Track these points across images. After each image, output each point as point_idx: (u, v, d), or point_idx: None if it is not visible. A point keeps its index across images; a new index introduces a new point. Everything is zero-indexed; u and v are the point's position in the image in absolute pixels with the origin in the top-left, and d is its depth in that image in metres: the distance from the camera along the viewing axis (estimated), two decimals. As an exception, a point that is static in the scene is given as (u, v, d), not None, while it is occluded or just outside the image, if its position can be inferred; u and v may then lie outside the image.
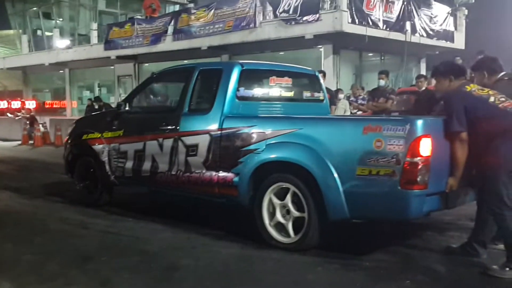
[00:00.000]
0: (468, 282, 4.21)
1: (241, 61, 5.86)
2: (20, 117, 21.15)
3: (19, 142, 18.94)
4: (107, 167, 6.67)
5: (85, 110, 19.43)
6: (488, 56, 5.33)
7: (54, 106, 25.35)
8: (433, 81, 12.09)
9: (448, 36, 17.53)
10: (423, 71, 17.74)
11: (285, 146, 4.99)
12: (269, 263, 4.60)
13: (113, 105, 18.51)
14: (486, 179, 4.50)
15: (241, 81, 5.64)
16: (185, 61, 17.62)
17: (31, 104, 23.44)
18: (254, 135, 5.19)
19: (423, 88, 10.01)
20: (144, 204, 7.45)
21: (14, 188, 8.57)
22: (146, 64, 20.40)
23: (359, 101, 11.82)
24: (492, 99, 4.53)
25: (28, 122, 19.71)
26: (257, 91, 5.97)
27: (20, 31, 26.81)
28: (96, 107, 17.90)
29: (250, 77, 5.85)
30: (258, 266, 4.55)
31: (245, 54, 16.28)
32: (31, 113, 20.72)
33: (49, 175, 10.28)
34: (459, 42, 17.98)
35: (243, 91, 5.68)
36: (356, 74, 17.13)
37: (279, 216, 5.04)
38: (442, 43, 17.34)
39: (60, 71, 24.28)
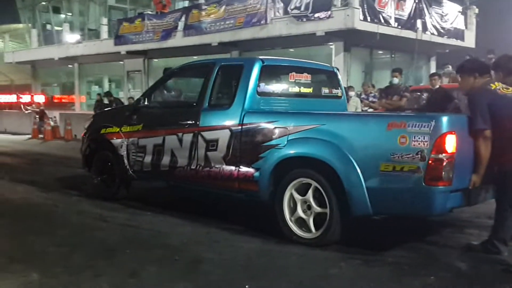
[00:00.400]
0: (491, 279, 4.21)
1: (261, 57, 5.87)
2: (29, 111, 21.24)
3: (29, 136, 19.03)
4: (126, 161, 6.71)
5: (94, 105, 19.51)
6: (505, 55, 5.28)
7: (63, 100, 25.44)
8: (444, 80, 12.15)
9: (458, 34, 17.51)
10: (433, 69, 17.74)
11: (307, 142, 5.01)
12: (292, 258, 4.63)
13: (123, 100, 18.64)
14: (506, 176, 4.53)
15: (262, 77, 5.67)
16: (195, 57, 17.68)
17: (40, 98, 23.52)
18: (276, 131, 5.21)
19: (437, 86, 10.01)
20: (161, 199, 7.48)
21: (29, 181, 8.61)
22: (156, 60, 20.48)
23: (370, 99, 11.86)
24: None
25: (37, 116, 19.78)
26: (277, 87, 5.99)
27: (30, 25, 26.90)
28: (106, 102, 17.96)
29: (271, 73, 5.88)
30: (281, 260, 4.58)
31: (256, 51, 16.32)
32: (41, 107, 20.79)
33: (62, 169, 10.34)
34: (470, 40, 17.96)
35: (263, 87, 5.71)
36: (365, 72, 17.14)
37: (300, 212, 5.06)
38: (453, 42, 17.33)
39: (69, 66, 24.37)
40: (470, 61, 5.00)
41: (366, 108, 11.59)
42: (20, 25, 28.67)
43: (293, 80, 6.08)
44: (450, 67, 13.90)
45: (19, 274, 4.12)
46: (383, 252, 4.79)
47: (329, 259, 4.61)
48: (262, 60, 5.75)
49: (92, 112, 18.90)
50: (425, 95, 11.28)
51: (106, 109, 14.31)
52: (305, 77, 6.19)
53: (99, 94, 20.14)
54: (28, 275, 4.08)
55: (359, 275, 4.23)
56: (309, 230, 5.01)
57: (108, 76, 24.58)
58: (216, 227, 5.64)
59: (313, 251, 4.79)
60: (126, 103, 18.14)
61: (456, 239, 5.32)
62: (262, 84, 5.68)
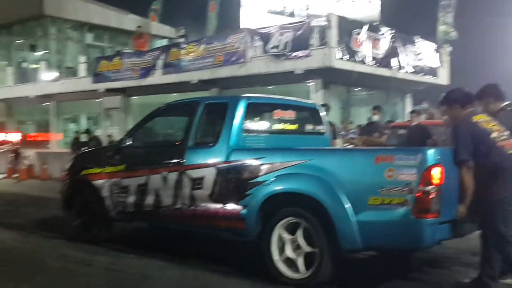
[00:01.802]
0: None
1: (246, 95, 5.89)
2: (4, 149, 20.77)
3: (4, 175, 18.63)
4: (108, 202, 6.56)
5: (71, 143, 19.24)
6: (491, 83, 5.34)
7: (38, 138, 25.01)
8: (423, 117, 12.32)
9: (432, 72, 17.87)
10: (408, 106, 18.02)
11: (295, 177, 4.99)
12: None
13: (102, 137, 18.46)
14: (488, 207, 4.54)
15: (247, 115, 5.68)
16: (174, 95, 17.71)
17: (16, 137, 23.06)
18: (262, 167, 5.18)
19: (415, 122, 10.15)
20: (143, 240, 7.31)
21: (6, 224, 8.32)
22: (135, 97, 20.39)
23: (350, 135, 11.96)
24: (494, 134, 4.60)
25: (14, 155, 19.38)
26: (262, 124, 6.01)
27: (5, 63, 26.62)
28: (83, 139, 17.75)
29: (256, 110, 5.90)
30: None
31: (235, 88, 16.38)
32: (16, 146, 20.41)
33: (39, 210, 10.05)
34: (443, 78, 18.34)
35: (249, 124, 5.71)
36: (343, 108, 17.32)
37: (288, 251, 4.98)
38: (427, 79, 17.67)
39: (45, 104, 24.08)
40: (453, 92, 4.98)
41: (346, 144, 11.67)
42: (-5, 63, 28.32)
43: (278, 117, 6.11)
44: (426, 104, 14.18)
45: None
46: (374, 291, 4.74)
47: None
48: (248, 98, 5.77)
49: (69, 151, 18.77)
50: (400, 131, 11.47)
51: (84, 149, 14.18)
52: (290, 114, 6.23)
53: (76, 132, 19.90)
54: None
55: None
56: (298, 270, 4.91)
57: (86, 114, 24.32)
58: (203, 269, 5.51)
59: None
60: (104, 140, 17.98)
61: (444, 276, 5.31)
62: (247, 122, 5.69)
